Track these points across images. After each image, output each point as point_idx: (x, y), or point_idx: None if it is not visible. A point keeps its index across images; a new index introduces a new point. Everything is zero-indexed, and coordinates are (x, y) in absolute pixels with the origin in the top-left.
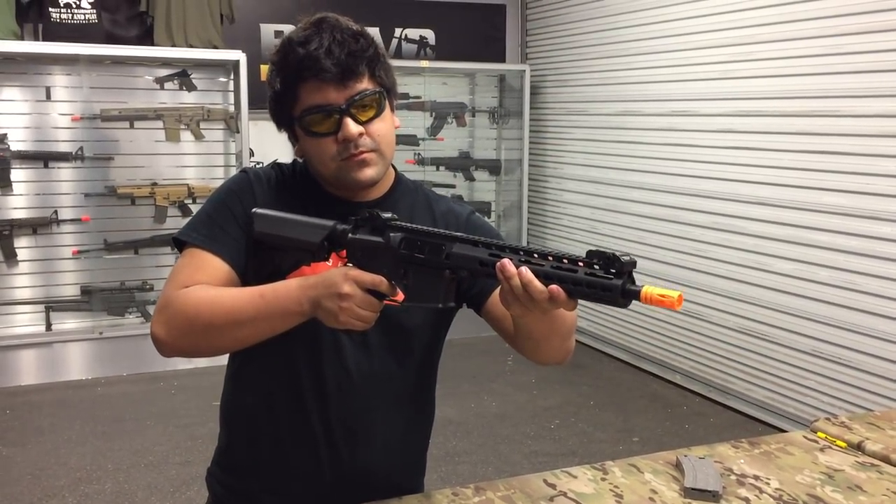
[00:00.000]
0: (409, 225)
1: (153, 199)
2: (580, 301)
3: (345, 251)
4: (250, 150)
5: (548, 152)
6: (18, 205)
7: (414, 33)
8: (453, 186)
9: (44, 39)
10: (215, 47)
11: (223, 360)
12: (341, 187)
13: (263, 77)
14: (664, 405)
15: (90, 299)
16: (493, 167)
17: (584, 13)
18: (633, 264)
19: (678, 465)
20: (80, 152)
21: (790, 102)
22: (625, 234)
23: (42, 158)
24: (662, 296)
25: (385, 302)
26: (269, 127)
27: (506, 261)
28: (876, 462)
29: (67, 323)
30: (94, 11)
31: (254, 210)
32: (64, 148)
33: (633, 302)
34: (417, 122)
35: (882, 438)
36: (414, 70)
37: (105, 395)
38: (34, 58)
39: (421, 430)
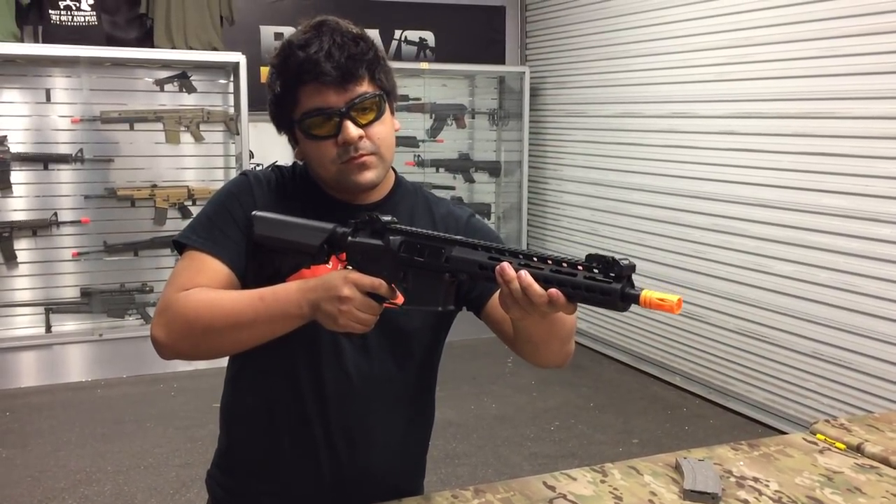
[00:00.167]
0: (408, 228)
1: (153, 201)
2: (580, 304)
3: (344, 254)
4: (250, 152)
5: (547, 154)
6: (18, 207)
7: (414, 35)
8: (453, 188)
9: (44, 41)
10: (215, 49)
11: (223, 362)
12: (341, 190)
13: (263, 79)
14: (664, 407)
15: (90, 301)
16: (493, 169)
17: (583, 15)
18: (633, 268)
19: (678, 467)
20: (79, 154)
21: (790, 104)
22: (624, 235)
23: (42, 160)
24: (661, 300)
25: (385, 305)
26: (268, 129)
27: (505, 264)
28: (875, 464)
29: (67, 325)
30: (94, 13)
31: (254, 213)
32: (64, 150)
33: (633, 305)
34: (417, 124)
35: (881, 440)
36: (414, 72)
37: (105, 397)
38: (34, 60)
39: (421, 433)
